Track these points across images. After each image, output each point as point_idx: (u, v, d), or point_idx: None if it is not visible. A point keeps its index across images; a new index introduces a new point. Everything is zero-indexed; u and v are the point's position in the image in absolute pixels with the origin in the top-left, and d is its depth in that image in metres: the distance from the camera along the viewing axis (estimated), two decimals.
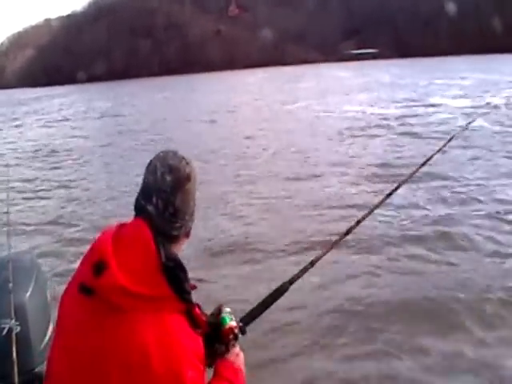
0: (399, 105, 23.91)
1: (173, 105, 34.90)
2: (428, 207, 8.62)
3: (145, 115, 28.94)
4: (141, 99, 42.64)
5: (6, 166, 15.68)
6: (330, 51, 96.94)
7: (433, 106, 22.74)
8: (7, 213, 3.48)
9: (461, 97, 25.30)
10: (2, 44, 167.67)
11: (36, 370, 2.54)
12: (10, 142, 22.26)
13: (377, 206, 2.44)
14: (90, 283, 1.46)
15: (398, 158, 12.55)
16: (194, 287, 1.60)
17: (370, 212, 2.38)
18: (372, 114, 21.78)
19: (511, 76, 34.58)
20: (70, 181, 13.23)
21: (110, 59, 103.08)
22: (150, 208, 1.54)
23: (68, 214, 10.10)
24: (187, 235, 1.65)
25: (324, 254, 2.16)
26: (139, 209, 1.57)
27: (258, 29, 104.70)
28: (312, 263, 2.13)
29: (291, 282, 2.03)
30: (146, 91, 53.07)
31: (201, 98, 38.13)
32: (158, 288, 1.45)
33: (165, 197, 1.53)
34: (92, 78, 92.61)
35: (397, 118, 19.51)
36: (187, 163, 1.59)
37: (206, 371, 1.56)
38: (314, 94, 33.14)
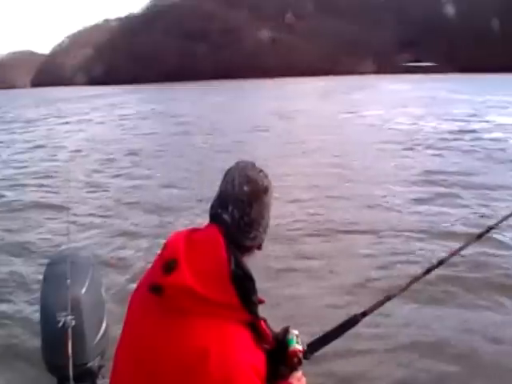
0: (455, 120, 23.27)
1: (228, 109, 34.91)
2: None
3: (201, 118, 29.07)
4: (197, 102, 42.98)
5: (66, 161, 16.36)
6: (384, 63, 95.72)
7: (488, 122, 22.18)
8: (68, 209, 3.58)
9: None
10: (62, 42, 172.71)
11: (89, 364, 2.59)
12: (70, 138, 23.13)
13: (462, 248, 2.26)
14: (160, 281, 1.48)
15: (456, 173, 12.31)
16: (262, 301, 1.60)
17: (453, 253, 2.23)
18: (427, 128, 21.34)
19: None
20: (130, 177, 13.58)
21: (165, 61, 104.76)
22: (226, 216, 1.56)
23: (130, 211, 10.16)
24: (259, 247, 1.65)
25: (403, 291, 2.09)
26: (214, 216, 1.60)
27: (313, 38, 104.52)
28: (389, 298, 2.06)
29: (364, 314, 1.99)
30: (200, 95, 53.32)
31: (255, 103, 38.27)
32: (225, 294, 1.45)
33: (241, 206, 1.55)
34: (147, 79, 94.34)
35: (452, 133, 19.13)
36: (265, 176, 1.62)
37: None
38: (369, 105, 32.69)
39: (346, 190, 11.18)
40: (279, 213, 8.68)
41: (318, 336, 1.92)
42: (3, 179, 14.04)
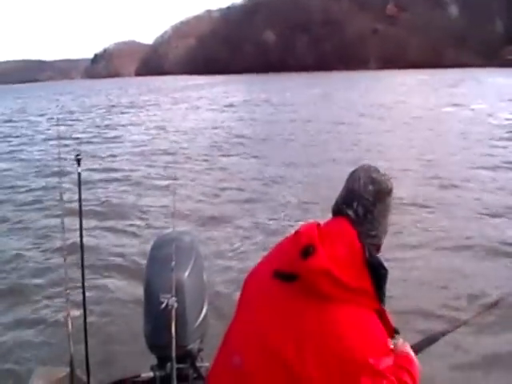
0: None
1: (329, 100, 34.72)
2: None
3: (304, 108, 29.38)
4: (298, 93, 43.08)
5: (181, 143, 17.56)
6: (490, 56, 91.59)
7: None
8: (174, 194, 3.65)
9: None
10: (165, 32, 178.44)
11: (189, 347, 2.64)
12: (184, 123, 24.92)
13: None
14: (295, 267, 1.52)
15: None
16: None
17: None
18: None
19: None
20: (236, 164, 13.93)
21: (266, 52, 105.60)
22: (350, 212, 1.61)
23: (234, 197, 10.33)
24: (378, 249, 1.68)
25: (479, 314, 2.22)
26: (338, 211, 1.66)
27: (416, 29, 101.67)
28: (465, 322, 2.29)
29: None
30: (301, 85, 53.58)
31: (357, 95, 37.74)
32: (361, 280, 1.50)
33: (366, 204, 1.61)
34: (248, 70, 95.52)
35: None
36: (389, 179, 1.68)
37: None
38: (471, 99, 31.49)
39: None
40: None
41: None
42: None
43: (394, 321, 1.68)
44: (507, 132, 17.74)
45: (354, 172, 1.69)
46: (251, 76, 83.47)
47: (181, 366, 2.56)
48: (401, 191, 9.06)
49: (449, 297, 5.69)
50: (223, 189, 11.00)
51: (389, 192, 1.64)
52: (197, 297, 2.73)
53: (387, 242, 1.72)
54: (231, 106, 32.61)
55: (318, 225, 1.62)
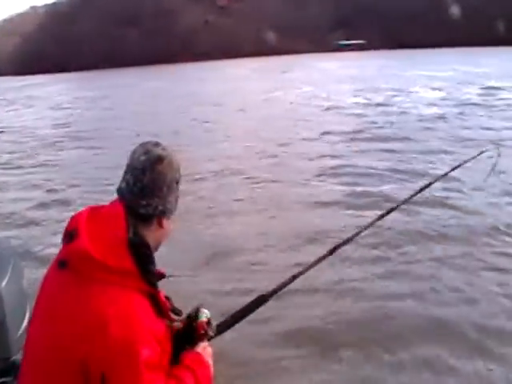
0: (379, 94, 25.22)
1: (161, 94, 34.71)
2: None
3: (133, 105, 29.22)
4: (129, 88, 42.60)
5: None
6: (318, 42, 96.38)
7: (410, 95, 24.37)
8: None
9: (439, 89, 26.36)
10: None
11: (12, 359, 2.53)
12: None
13: (365, 228, 2.45)
14: (63, 252, 1.57)
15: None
16: (163, 276, 1.69)
17: (357, 234, 2.40)
18: (349, 101, 23.16)
19: (496, 68, 35.06)
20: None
21: (95, 48, 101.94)
22: (123, 184, 1.64)
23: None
24: (160, 223, 1.68)
25: (307, 270, 2.18)
26: (117, 189, 1.68)
27: (247, 19, 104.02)
28: (294, 277, 2.15)
29: (272, 293, 2.07)
30: (134, 80, 52.69)
31: (186, 87, 38.04)
32: (123, 261, 1.50)
33: (135, 173, 1.62)
34: (79, 67, 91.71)
35: (377, 105, 21.45)
36: (163, 149, 1.68)
37: (166, 356, 1.58)
38: (298, 83, 33.43)
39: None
40: None
41: (226, 316, 2.00)
42: None
43: (178, 302, 1.75)
44: (326, 110, 20.55)
45: (134, 149, 1.70)
46: (81, 74, 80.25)
47: (4, 379, 2.46)
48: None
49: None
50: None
51: (159, 159, 1.63)
52: (17, 306, 2.61)
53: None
54: (61, 104, 31.63)
55: (96, 208, 1.65)
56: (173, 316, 1.73)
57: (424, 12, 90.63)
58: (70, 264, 1.51)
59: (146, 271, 1.54)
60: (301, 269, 2.17)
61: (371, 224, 2.47)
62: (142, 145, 1.68)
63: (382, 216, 2.52)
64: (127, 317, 1.45)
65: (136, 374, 1.42)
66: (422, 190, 2.76)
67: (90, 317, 1.44)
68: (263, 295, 2.05)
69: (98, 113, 26.32)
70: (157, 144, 1.69)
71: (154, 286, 1.57)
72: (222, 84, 37.87)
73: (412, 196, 2.71)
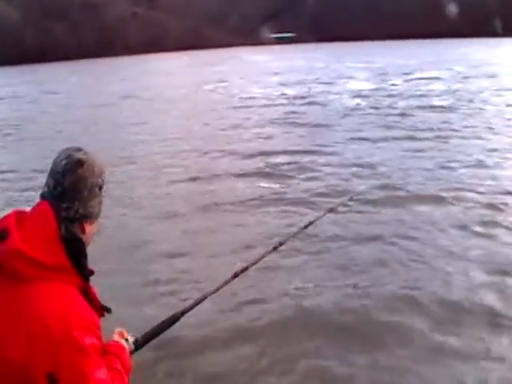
0: (303, 86, 25.77)
1: (84, 89, 33.95)
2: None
3: (55, 100, 28.53)
4: (52, 84, 40.89)
5: None
6: (248, 35, 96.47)
7: (335, 87, 24.94)
8: None
9: (365, 79, 27.36)
10: None
11: None
12: None
13: (262, 257, 2.68)
14: None
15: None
16: (92, 272, 1.71)
17: (260, 259, 2.65)
18: (275, 94, 23.56)
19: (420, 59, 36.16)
20: None
21: (22, 41, 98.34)
22: (45, 189, 1.67)
23: None
24: (82, 229, 1.70)
25: (218, 289, 2.39)
26: (40, 193, 1.70)
27: (176, 12, 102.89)
28: (205, 297, 2.36)
29: (183, 313, 2.26)
30: (58, 75, 51.16)
31: (109, 83, 37.26)
32: (56, 257, 1.54)
33: (56, 177, 1.65)
34: (3, 62, 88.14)
35: (300, 98, 21.89)
36: (84, 154, 1.71)
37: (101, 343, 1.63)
38: (225, 77, 33.51)
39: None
40: None
41: (143, 333, 2.12)
42: None
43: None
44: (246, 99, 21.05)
45: (57, 154, 1.72)
46: (4, 68, 76.93)
47: None
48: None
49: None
50: None
51: (79, 162, 1.66)
52: None
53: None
54: None
55: (22, 211, 1.66)
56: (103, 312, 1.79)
57: (353, 3, 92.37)
58: (2, 267, 1.51)
59: (80, 266, 1.60)
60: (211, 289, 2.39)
61: (261, 259, 2.66)
62: (65, 150, 1.71)
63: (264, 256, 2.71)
64: (66, 312, 1.49)
65: (85, 359, 1.48)
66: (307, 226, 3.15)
67: (31, 323, 1.47)
68: (176, 313, 2.23)
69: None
70: (79, 149, 1.72)
71: (87, 280, 1.65)
72: (148, 78, 37.38)
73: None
